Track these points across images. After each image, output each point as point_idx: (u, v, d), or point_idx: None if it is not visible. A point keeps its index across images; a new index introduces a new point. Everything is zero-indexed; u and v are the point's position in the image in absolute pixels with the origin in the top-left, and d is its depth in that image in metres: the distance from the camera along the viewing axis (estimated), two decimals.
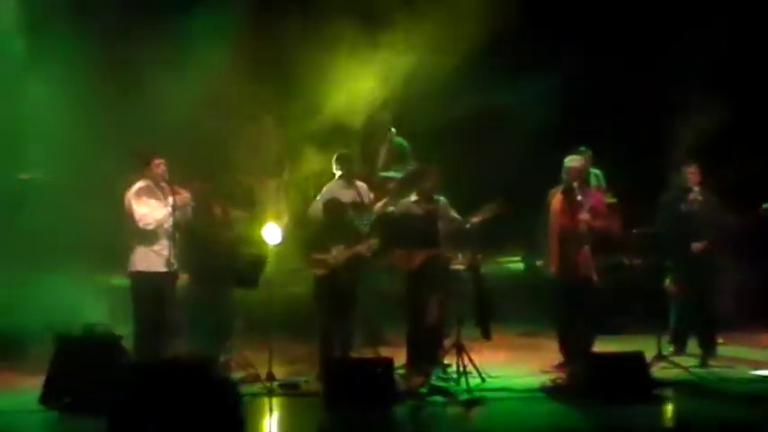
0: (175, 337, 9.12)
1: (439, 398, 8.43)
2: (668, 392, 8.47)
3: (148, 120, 9.17)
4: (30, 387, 8.45)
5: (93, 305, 9.19)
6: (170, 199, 9.06)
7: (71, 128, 9.40)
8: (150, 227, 9.01)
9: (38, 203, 9.58)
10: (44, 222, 9.32)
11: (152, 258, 9.07)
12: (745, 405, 8.17)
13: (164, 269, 9.06)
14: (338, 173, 10.34)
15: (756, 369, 9.25)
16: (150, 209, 9.04)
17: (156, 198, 9.12)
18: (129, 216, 9.04)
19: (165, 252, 9.07)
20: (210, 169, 9.94)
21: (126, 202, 9.07)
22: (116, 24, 9.74)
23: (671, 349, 9.67)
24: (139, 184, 9.10)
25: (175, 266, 9.11)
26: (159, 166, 9.10)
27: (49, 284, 9.07)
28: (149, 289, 9.02)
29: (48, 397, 8.17)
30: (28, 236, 9.20)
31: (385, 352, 9.46)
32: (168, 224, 9.04)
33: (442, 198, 9.46)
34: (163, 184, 9.12)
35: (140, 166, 9.15)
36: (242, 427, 2.53)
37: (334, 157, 10.44)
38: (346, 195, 9.99)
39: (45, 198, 9.71)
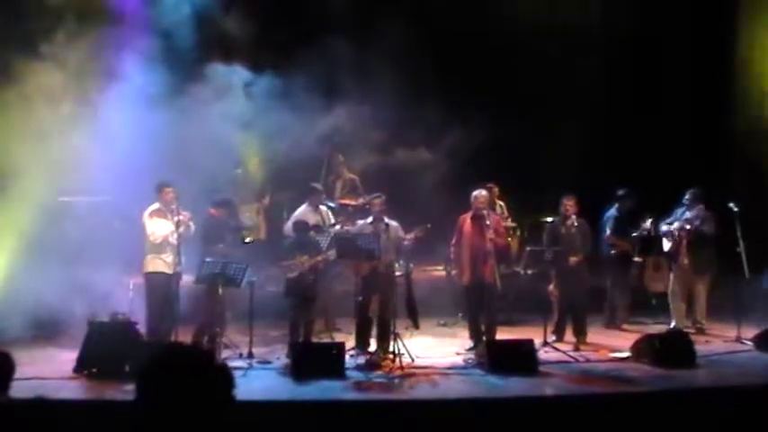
0: (179, 324, 8.95)
1: (379, 372, 8.47)
2: (551, 369, 8.56)
3: (165, 160, 9.21)
4: (67, 360, 8.45)
5: (116, 297, 9.22)
6: (175, 218, 9.14)
7: (101, 165, 9.46)
8: (158, 240, 9.13)
9: (73, 219, 9.59)
10: (78, 233, 9.32)
11: (159, 263, 9.18)
12: (604, 379, 8.35)
13: (168, 272, 9.12)
14: (307, 200, 10.49)
15: (613, 352, 9.36)
16: (159, 226, 9.15)
17: (165, 218, 9.22)
18: (143, 231, 9.18)
19: (170, 259, 9.16)
20: (214, 197, 9.95)
21: (142, 220, 9.22)
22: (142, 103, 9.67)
23: (553, 337, 9.66)
24: (153, 207, 9.24)
25: (178, 270, 9.11)
26: (168, 193, 9.22)
27: (83, 281, 9.06)
28: (157, 287, 9.10)
29: (80, 367, 8.23)
30: (65, 243, 9.19)
31: (339, 337, 9.54)
32: (173, 238, 9.13)
33: (394, 222, 9.44)
34: (172, 206, 9.22)
35: (154, 193, 9.27)
36: (234, 402, 2.60)
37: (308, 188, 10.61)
38: (312, 218, 10.07)
39: (79, 215, 9.74)
